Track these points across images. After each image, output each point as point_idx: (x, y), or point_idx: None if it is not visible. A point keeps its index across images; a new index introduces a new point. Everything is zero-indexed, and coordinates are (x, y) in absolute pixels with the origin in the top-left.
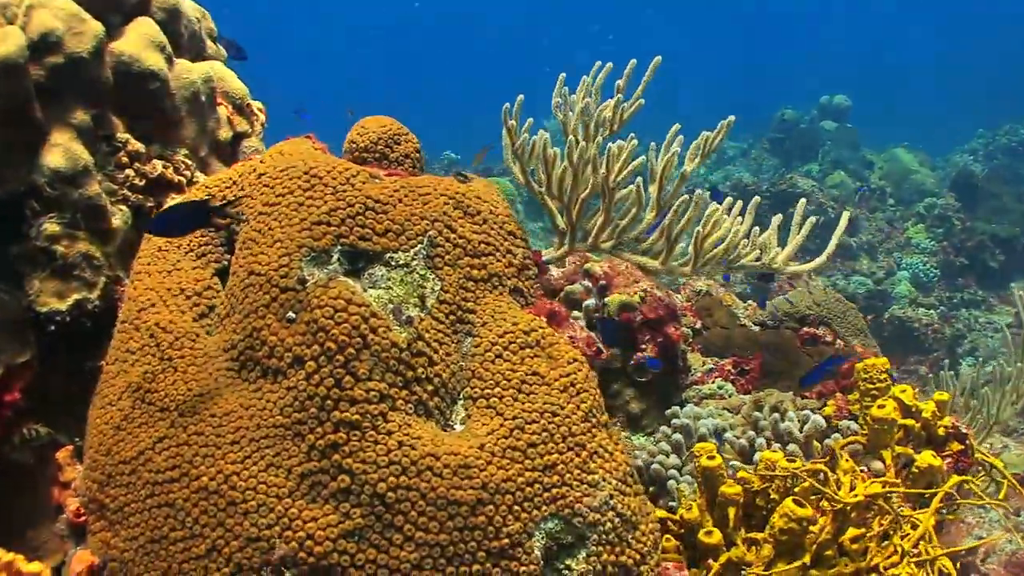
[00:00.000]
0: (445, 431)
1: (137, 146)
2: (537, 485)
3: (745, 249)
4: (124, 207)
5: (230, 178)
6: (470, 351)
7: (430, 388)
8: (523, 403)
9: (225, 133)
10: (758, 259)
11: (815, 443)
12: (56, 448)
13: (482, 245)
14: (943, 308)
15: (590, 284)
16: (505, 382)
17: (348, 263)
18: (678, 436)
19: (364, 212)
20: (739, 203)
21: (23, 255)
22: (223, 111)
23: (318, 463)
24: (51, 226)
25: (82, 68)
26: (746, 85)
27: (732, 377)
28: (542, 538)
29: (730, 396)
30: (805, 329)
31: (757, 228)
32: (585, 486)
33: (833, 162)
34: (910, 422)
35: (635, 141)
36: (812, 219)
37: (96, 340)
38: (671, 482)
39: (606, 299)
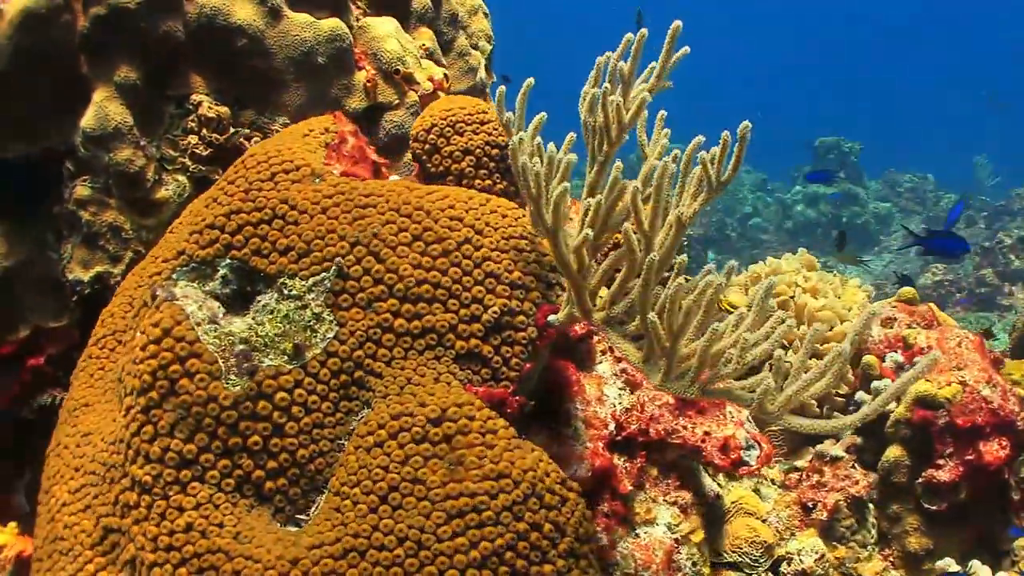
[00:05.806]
0: (295, 525)
1: (211, 110)
2: None
3: (727, 367)
4: (182, 177)
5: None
6: (356, 428)
7: (271, 465)
8: (381, 518)
9: (356, 102)
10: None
11: None
12: None
13: (424, 286)
14: None
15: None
16: (369, 483)
17: (241, 283)
18: None
19: (271, 220)
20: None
21: (63, 216)
22: (361, 76)
23: (119, 520)
24: (82, 189)
25: (127, 19)
26: None
27: None
28: None
29: None
30: None
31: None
32: None
33: None
34: None
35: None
36: (840, 351)
37: None
38: None
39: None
